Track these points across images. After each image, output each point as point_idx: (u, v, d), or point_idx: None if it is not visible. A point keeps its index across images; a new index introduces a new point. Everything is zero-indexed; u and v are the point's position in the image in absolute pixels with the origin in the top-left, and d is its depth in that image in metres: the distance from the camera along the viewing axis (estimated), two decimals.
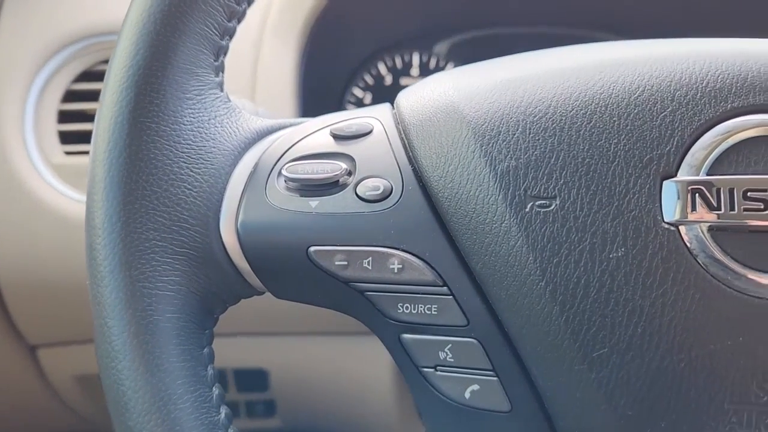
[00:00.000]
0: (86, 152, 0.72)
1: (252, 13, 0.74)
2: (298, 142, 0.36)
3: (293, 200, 0.34)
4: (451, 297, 0.32)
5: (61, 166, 0.73)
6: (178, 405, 0.31)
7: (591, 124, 0.31)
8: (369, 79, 0.91)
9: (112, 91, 0.33)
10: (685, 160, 0.30)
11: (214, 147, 0.35)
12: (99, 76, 0.75)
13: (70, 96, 0.75)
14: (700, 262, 0.29)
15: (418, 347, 0.34)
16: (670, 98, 0.30)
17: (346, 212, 0.33)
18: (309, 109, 0.77)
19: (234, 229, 0.34)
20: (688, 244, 0.29)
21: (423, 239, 0.32)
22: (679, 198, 0.30)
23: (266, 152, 0.36)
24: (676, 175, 0.30)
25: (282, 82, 0.73)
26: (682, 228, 0.30)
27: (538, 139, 0.31)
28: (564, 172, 0.30)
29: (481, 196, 0.31)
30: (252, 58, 0.73)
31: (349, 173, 0.34)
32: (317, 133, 0.36)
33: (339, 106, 0.91)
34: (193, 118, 0.34)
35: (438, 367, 0.33)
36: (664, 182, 0.30)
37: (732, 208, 0.29)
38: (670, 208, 0.30)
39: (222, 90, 0.37)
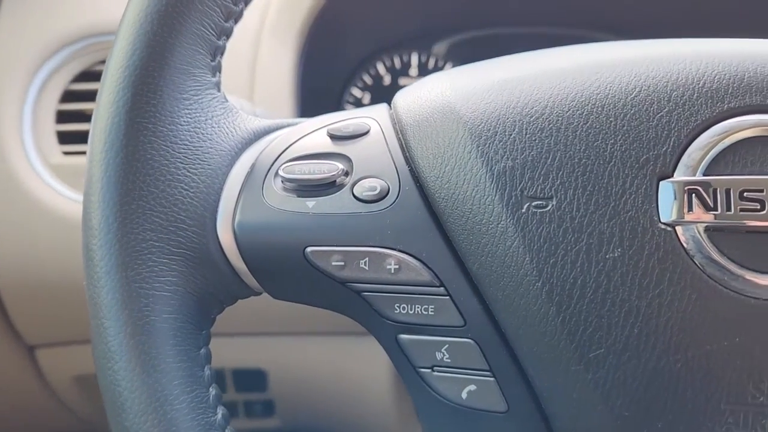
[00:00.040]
0: (85, 152, 0.72)
1: (250, 13, 0.75)
2: (295, 142, 0.36)
3: (290, 200, 0.34)
4: (447, 297, 0.32)
5: (59, 167, 0.73)
6: (175, 405, 0.31)
7: (587, 124, 0.31)
8: (368, 79, 0.91)
9: (109, 91, 0.33)
10: (681, 160, 0.30)
11: (211, 147, 0.35)
12: (97, 77, 0.75)
13: (68, 96, 0.75)
14: (696, 262, 0.29)
15: (415, 348, 0.34)
16: (666, 99, 0.30)
17: (343, 213, 0.33)
18: (307, 109, 0.77)
19: (231, 229, 0.34)
20: (684, 245, 0.29)
21: (420, 240, 0.32)
22: (675, 198, 0.30)
23: (263, 152, 0.36)
24: (672, 176, 0.30)
25: (280, 82, 0.73)
26: (678, 228, 0.30)
27: (535, 140, 0.31)
28: (560, 172, 0.30)
29: (477, 197, 0.31)
30: (250, 58, 0.73)
31: (346, 173, 0.34)
32: (314, 133, 0.36)
33: (338, 107, 0.91)
34: (190, 118, 0.34)
35: (435, 368, 0.33)
36: (661, 183, 0.30)
37: (728, 209, 0.29)
38: (667, 208, 0.30)
39: (219, 90, 0.36)
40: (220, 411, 0.33)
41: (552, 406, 0.32)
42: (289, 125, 0.38)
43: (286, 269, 0.34)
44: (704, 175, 0.30)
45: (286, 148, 0.36)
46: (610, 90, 0.31)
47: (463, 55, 0.91)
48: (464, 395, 0.33)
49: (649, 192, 0.30)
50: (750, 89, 0.30)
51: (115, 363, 0.31)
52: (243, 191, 0.35)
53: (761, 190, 0.29)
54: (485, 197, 0.31)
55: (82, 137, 0.74)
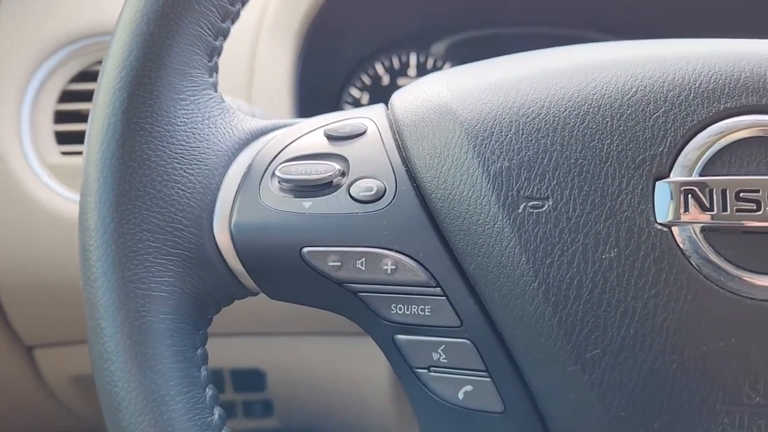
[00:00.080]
0: (83, 153, 0.72)
1: (248, 14, 0.75)
2: (292, 142, 0.36)
3: (287, 201, 0.34)
4: (444, 298, 0.32)
5: (57, 167, 0.73)
6: (171, 406, 0.31)
7: (584, 124, 0.31)
8: (366, 80, 0.91)
9: (106, 91, 0.33)
10: (677, 160, 0.30)
11: (207, 148, 0.35)
12: (95, 77, 0.74)
13: (66, 96, 0.75)
14: (692, 263, 0.29)
15: (411, 348, 0.34)
16: (663, 99, 0.30)
17: (340, 213, 0.33)
18: (306, 109, 0.77)
19: (227, 229, 0.34)
20: (680, 245, 0.29)
21: (416, 240, 0.32)
22: (672, 199, 0.30)
23: (260, 153, 0.36)
24: (668, 176, 0.30)
25: (278, 82, 0.73)
26: (674, 229, 0.30)
27: (531, 140, 0.31)
28: (557, 172, 0.30)
29: (473, 197, 0.31)
30: (248, 59, 0.73)
31: (343, 174, 0.34)
32: (311, 133, 0.36)
33: (336, 107, 0.91)
34: (187, 118, 0.34)
35: (431, 368, 0.33)
36: (657, 183, 0.30)
37: (725, 209, 0.29)
38: (663, 208, 0.30)
39: (216, 90, 0.36)
40: (217, 411, 0.33)
41: (548, 407, 0.32)
42: (286, 126, 0.38)
43: (283, 269, 0.34)
44: (700, 175, 0.30)
45: (283, 149, 0.36)
46: (606, 90, 0.31)
47: (461, 55, 0.91)
48: (461, 395, 0.33)
49: (645, 192, 0.30)
50: (746, 89, 0.30)
51: (111, 363, 0.31)
52: (240, 191, 0.35)
53: (757, 191, 0.29)
54: (482, 197, 0.31)
55: (80, 137, 0.73)
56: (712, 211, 0.29)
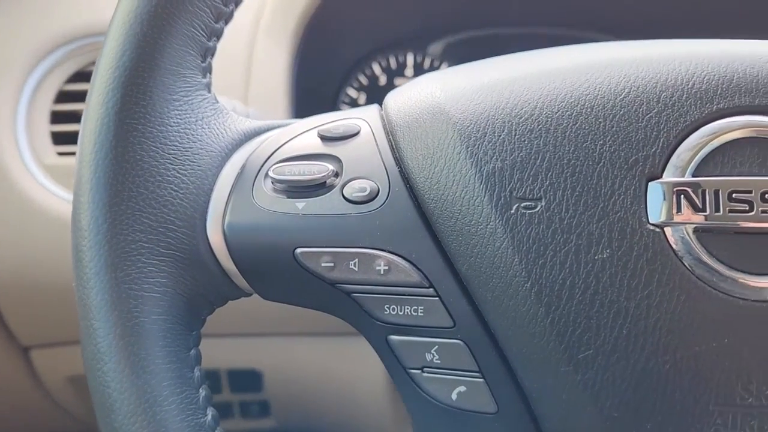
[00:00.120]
0: None
1: (245, 14, 0.75)
2: (285, 143, 0.36)
3: (280, 202, 0.34)
4: (437, 298, 0.32)
5: (53, 167, 0.73)
6: (164, 406, 0.31)
7: (577, 125, 0.31)
8: (363, 80, 0.91)
9: (99, 92, 0.33)
10: (670, 161, 0.30)
11: (201, 148, 0.35)
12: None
13: (62, 97, 0.75)
14: (685, 263, 0.29)
15: (404, 348, 0.34)
16: (655, 100, 0.30)
17: (333, 214, 0.33)
18: (303, 109, 0.77)
19: (221, 230, 0.34)
20: (673, 246, 0.29)
21: (409, 241, 0.32)
22: (664, 199, 0.30)
23: (253, 153, 0.36)
24: (661, 177, 0.30)
25: (275, 82, 0.73)
26: (667, 229, 0.30)
27: (524, 141, 0.31)
28: (549, 173, 0.30)
29: (466, 198, 0.31)
30: (245, 59, 0.73)
31: (336, 174, 0.34)
32: (305, 134, 0.36)
33: (333, 107, 0.91)
34: (180, 119, 0.34)
35: (425, 369, 0.33)
36: (650, 183, 0.30)
37: (717, 210, 0.29)
38: (656, 209, 0.30)
39: (209, 91, 0.36)
40: (210, 412, 0.33)
41: (541, 407, 0.32)
42: (279, 126, 0.38)
43: (276, 270, 0.34)
44: (693, 176, 0.30)
45: (277, 149, 0.36)
46: (599, 91, 0.31)
47: (459, 56, 0.91)
48: (454, 396, 0.33)
49: (638, 193, 0.30)
50: (739, 90, 0.30)
51: (104, 364, 0.31)
52: (233, 192, 0.35)
53: (750, 191, 0.29)
54: (474, 198, 0.31)
55: (76, 138, 0.72)
56: (705, 211, 0.29)
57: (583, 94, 0.31)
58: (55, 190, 0.71)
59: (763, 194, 0.29)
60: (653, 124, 0.30)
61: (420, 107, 0.34)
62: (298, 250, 0.33)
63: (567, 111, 0.31)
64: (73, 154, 0.74)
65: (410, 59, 0.91)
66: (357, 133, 0.35)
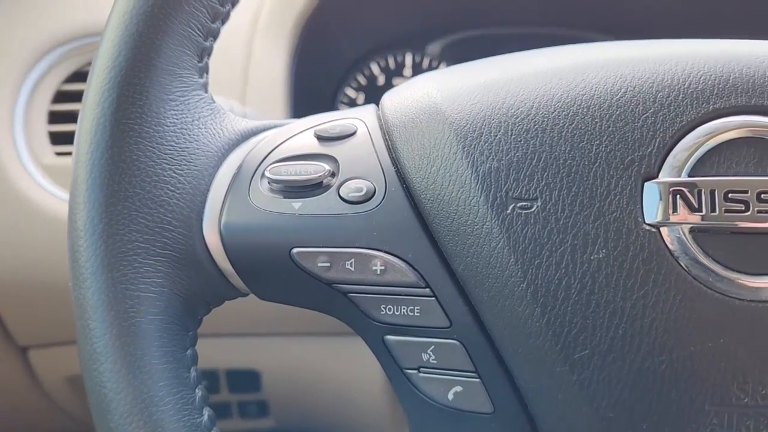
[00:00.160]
0: None
1: (243, 13, 0.75)
2: (282, 143, 0.36)
3: (276, 202, 0.34)
4: (433, 298, 0.32)
5: (51, 167, 0.73)
6: (160, 407, 0.31)
7: (573, 125, 0.31)
8: (362, 80, 0.91)
9: (95, 92, 0.33)
10: (666, 161, 0.30)
11: (197, 148, 0.35)
12: None
13: (60, 97, 0.75)
14: (681, 263, 0.29)
15: (401, 348, 0.34)
16: (652, 100, 0.30)
17: (329, 214, 0.33)
18: (301, 109, 0.77)
19: (217, 230, 0.34)
20: (669, 246, 0.29)
21: (405, 241, 0.32)
22: (660, 199, 0.30)
23: (250, 154, 0.36)
24: (657, 177, 0.30)
25: (273, 82, 0.73)
26: (663, 230, 0.30)
27: (520, 141, 0.31)
28: (545, 173, 0.30)
29: (462, 198, 0.31)
30: (243, 59, 0.73)
31: (333, 174, 0.34)
32: (301, 134, 0.36)
33: (332, 107, 0.91)
34: (177, 119, 0.34)
35: (421, 369, 0.33)
36: (646, 183, 0.30)
37: (713, 210, 0.29)
38: (652, 209, 0.30)
39: (206, 91, 0.36)
40: (207, 412, 0.33)
41: (537, 407, 0.32)
42: (276, 126, 0.38)
43: (273, 270, 0.34)
44: (689, 176, 0.30)
45: (273, 149, 0.36)
46: (595, 91, 0.31)
47: (457, 56, 0.91)
48: (450, 396, 0.33)
49: (633, 193, 0.30)
50: (735, 90, 0.30)
51: (100, 364, 0.31)
52: (229, 192, 0.35)
53: (746, 191, 0.29)
54: (470, 198, 0.31)
55: (74, 138, 0.73)
56: (701, 211, 0.29)
57: (579, 94, 0.31)
58: (52, 190, 0.71)
59: (759, 194, 0.29)
60: (649, 124, 0.30)
61: (416, 107, 0.34)
62: (295, 250, 0.33)
63: (563, 111, 0.31)
64: (71, 154, 0.74)
65: (409, 59, 0.91)
66: (353, 133, 0.35)
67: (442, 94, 0.34)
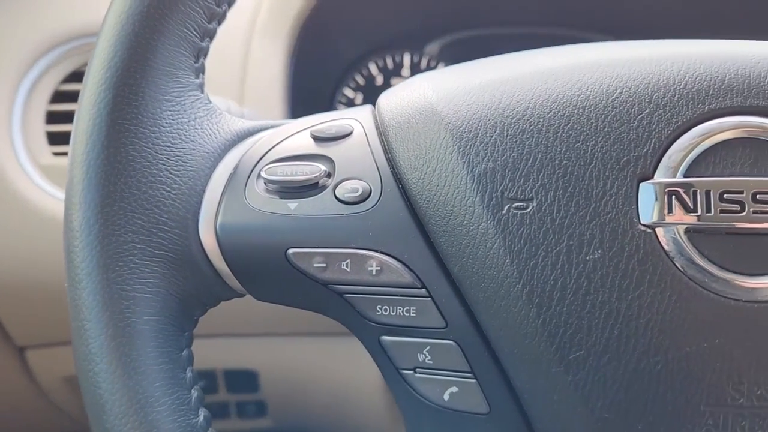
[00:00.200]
0: None
1: (241, 13, 0.75)
2: (278, 143, 0.36)
3: (272, 202, 0.34)
4: (429, 299, 0.32)
5: (48, 167, 0.73)
6: (155, 408, 0.31)
7: (568, 126, 0.31)
8: (360, 80, 0.91)
9: (91, 92, 0.33)
10: (662, 162, 0.30)
11: (193, 149, 0.35)
12: None
13: (58, 97, 0.75)
14: (676, 264, 0.29)
15: (397, 349, 0.34)
16: (647, 100, 0.30)
17: (325, 214, 0.33)
18: (300, 109, 0.77)
19: (213, 231, 0.34)
20: (664, 246, 0.29)
21: (401, 241, 0.32)
22: (656, 200, 0.30)
23: (246, 154, 0.36)
24: (653, 177, 0.30)
25: (271, 82, 0.73)
26: (659, 230, 0.30)
27: (516, 141, 0.31)
28: (541, 174, 0.30)
29: (458, 198, 0.31)
30: (241, 59, 0.73)
31: (329, 175, 0.34)
32: (298, 134, 0.36)
33: (330, 107, 0.91)
34: (173, 119, 0.34)
35: (417, 369, 0.33)
36: (641, 184, 0.30)
37: (708, 210, 0.29)
38: (647, 210, 0.30)
39: (202, 92, 0.36)
40: (202, 413, 0.33)
41: (533, 408, 0.32)
42: (273, 126, 0.38)
43: (268, 271, 0.34)
44: (685, 176, 0.30)
45: (269, 150, 0.36)
46: (591, 91, 0.31)
47: (455, 56, 0.91)
48: (446, 397, 0.33)
49: (629, 193, 0.30)
50: (731, 90, 0.30)
51: (96, 365, 0.31)
52: (225, 193, 0.35)
53: (741, 192, 0.29)
54: (466, 199, 0.31)
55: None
56: (696, 212, 0.29)
57: (574, 95, 0.31)
58: (50, 190, 0.71)
59: (754, 195, 0.29)
60: (645, 125, 0.30)
61: (412, 108, 0.34)
62: (291, 251, 0.33)
63: (559, 111, 0.31)
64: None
65: (407, 59, 0.91)
66: (349, 134, 0.35)
67: (438, 95, 0.34)
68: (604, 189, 0.30)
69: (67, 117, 0.74)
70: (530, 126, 0.31)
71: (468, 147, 0.31)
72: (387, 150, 0.34)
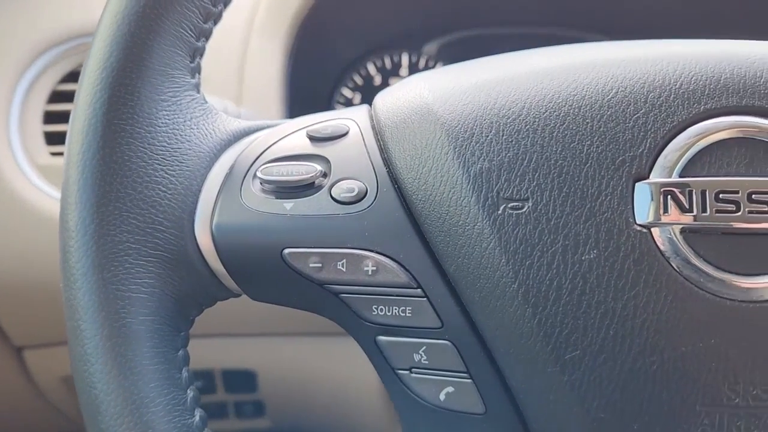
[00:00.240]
0: None
1: (238, 13, 0.75)
2: (274, 143, 0.36)
3: (268, 202, 0.34)
4: (425, 299, 0.32)
5: (46, 167, 0.73)
6: (151, 408, 0.31)
7: (564, 126, 0.31)
8: (358, 80, 0.91)
9: (86, 92, 0.33)
10: (657, 161, 0.30)
11: (189, 149, 0.35)
12: None
13: (56, 97, 0.75)
14: (672, 264, 0.29)
15: (392, 349, 0.34)
16: (643, 100, 0.30)
17: (321, 214, 0.33)
18: (297, 109, 0.77)
19: (209, 231, 0.34)
20: (660, 247, 0.29)
21: (397, 241, 0.32)
22: (652, 200, 0.30)
23: (242, 154, 0.36)
24: (648, 177, 0.30)
25: (269, 82, 0.73)
26: (654, 230, 0.30)
27: (512, 141, 0.31)
28: (537, 174, 0.30)
29: (454, 198, 0.31)
30: (238, 58, 0.73)
31: (324, 175, 0.34)
32: (293, 134, 0.36)
33: (328, 107, 0.91)
34: (168, 119, 0.34)
35: (413, 369, 0.33)
36: (637, 184, 0.30)
37: (704, 210, 0.29)
38: (643, 210, 0.30)
39: (198, 92, 0.36)
40: (198, 413, 0.33)
41: (529, 408, 0.32)
42: (269, 126, 0.38)
43: (264, 271, 0.34)
44: (680, 176, 0.30)
45: (265, 150, 0.36)
46: (586, 91, 0.31)
47: (453, 55, 0.91)
48: (442, 397, 0.33)
49: (625, 193, 0.30)
50: (727, 90, 0.30)
51: (91, 365, 0.31)
52: (221, 193, 0.34)
53: (737, 192, 0.29)
54: (462, 199, 0.31)
55: None
56: (692, 212, 0.29)
57: (570, 95, 0.31)
58: (48, 190, 0.71)
59: (749, 194, 0.29)
60: (640, 125, 0.30)
61: (408, 108, 0.34)
62: (286, 251, 0.33)
63: (554, 111, 0.31)
64: None
65: (405, 59, 0.91)
66: (345, 134, 0.35)
67: (433, 95, 0.34)
68: (599, 189, 0.30)
69: (65, 117, 0.74)
70: (526, 126, 0.31)
71: (464, 147, 0.31)
72: (383, 150, 0.34)
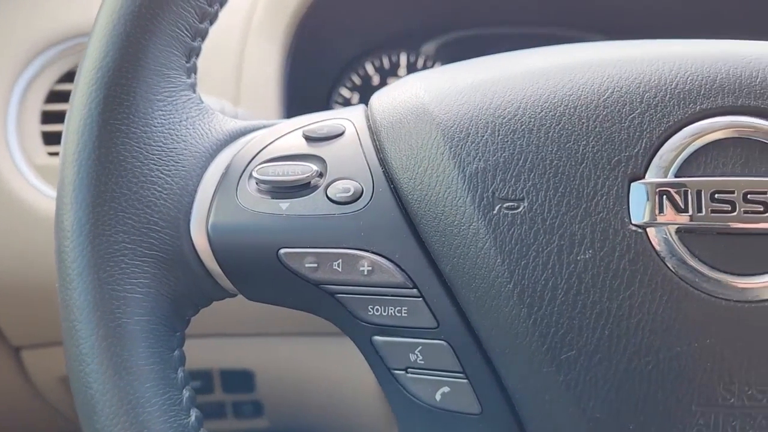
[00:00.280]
0: None
1: (236, 13, 0.74)
2: (270, 143, 0.36)
3: (264, 202, 0.34)
4: (420, 299, 0.32)
5: (44, 167, 0.73)
6: (146, 408, 0.31)
7: (560, 125, 0.31)
8: (356, 80, 0.91)
9: (82, 92, 0.33)
10: (653, 161, 0.30)
11: (185, 149, 0.35)
12: None
13: (53, 96, 0.75)
14: (667, 264, 0.29)
15: (389, 349, 0.33)
16: (638, 100, 0.30)
17: (317, 214, 0.33)
18: (295, 109, 0.77)
19: (204, 231, 0.34)
20: (655, 247, 0.29)
21: (393, 241, 0.32)
22: (647, 200, 0.30)
23: (238, 154, 0.36)
24: (644, 177, 0.30)
25: (267, 82, 0.73)
26: (650, 230, 0.30)
27: (507, 141, 0.31)
28: (532, 174, 0.30)
29: (449, 198, 0.31)
30: (236, 58, 0.73)
31: (320, 175, 0.34)
32: (290, 134, 0.36)
33: (326, 107, 0.91)
34: (164, 119, 0.34)
35: (409, 369, 0.33)
36: (632, 184, 0.30)
37: (700, 210, 0.29)
38: (639, 210, 0.30)
39: (194, 91, 0.36)
40: (194, 413, 0.33)
41: (524, 408, 0.31)
42: (265, 126, 0.38)
43: (260, 271, 0.34)
44: (676, 176, 0.30)
45: (261, 150, 0.36)
46: (582, 91, 0.31)
47: (452, 55, 0.91)
48: (438, 397, 0.33)
49: (620, 193, 0.30)
50: (722, 90, 0.30)
51: (86, 365, 0.31)
52: (217, 193, 0.34)
53: (732, 192, 0.29)
54: (457, 199, 0.31)
55: None
56: (688, 212, 0.29)
57: (566, 95, 0.31)
58: (45, 190, 0.71)
59: (745, 195, 0.29)
60: (636, 125, 0.30)
61: (404, 108, 0.34)
62: (282, 251, 0.33)
63: (550, 111, 0.31)
64: None
65: (403, 59, 0.91)
66: (341, 134, 0.35)
67: (429, 95, 0.34)
68: (595, 189, 0.30)
69: (63, 117, 0.73)
70: (521, 126, 0.31)
71: (459, 147, 0.31)
72: (379, 150, 0.34)
